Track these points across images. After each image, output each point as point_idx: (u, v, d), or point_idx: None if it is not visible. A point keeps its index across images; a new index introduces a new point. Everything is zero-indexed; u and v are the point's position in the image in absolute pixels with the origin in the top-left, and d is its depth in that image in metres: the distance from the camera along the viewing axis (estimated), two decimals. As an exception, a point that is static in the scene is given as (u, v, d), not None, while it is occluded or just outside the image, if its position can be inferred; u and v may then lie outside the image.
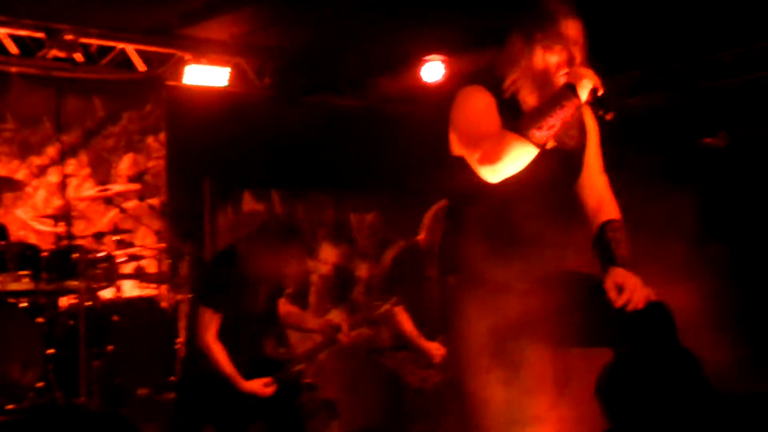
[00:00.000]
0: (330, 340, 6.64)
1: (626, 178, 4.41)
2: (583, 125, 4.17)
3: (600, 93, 3.80)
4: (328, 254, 11.00)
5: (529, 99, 4.01)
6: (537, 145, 3.77)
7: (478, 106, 3.95)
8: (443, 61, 10.62)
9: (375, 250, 10.98)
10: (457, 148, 4.03)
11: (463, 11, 8.79)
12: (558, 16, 3.93)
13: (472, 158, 3.88)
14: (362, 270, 11.07)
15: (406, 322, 7.21)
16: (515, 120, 3.89)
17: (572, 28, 3.94)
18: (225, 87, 10.39)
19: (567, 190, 4.16)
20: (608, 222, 4.11)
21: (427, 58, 10.58)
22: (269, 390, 6.20)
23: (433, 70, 10.61)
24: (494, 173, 3.82)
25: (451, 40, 9.88)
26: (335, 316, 9.81)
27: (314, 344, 7.13)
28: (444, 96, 10.51)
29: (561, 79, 3.90)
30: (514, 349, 4.02)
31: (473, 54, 9.83)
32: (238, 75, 10.57)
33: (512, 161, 3.80)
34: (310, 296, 10.76)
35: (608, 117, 3.84)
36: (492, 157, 3.79)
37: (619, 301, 3.81)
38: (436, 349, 7.13)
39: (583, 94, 3.79)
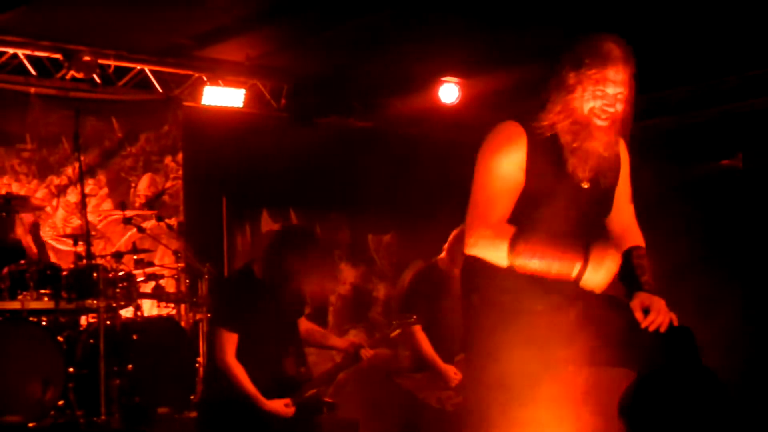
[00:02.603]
0: (353, 358, 6.64)
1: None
2: (619, 163, 4.17)
3: None
4: (347, 274, 11.02)
5: (566, 136, 3.98)
6: (511, 263, 3.84)
7: (509, 155, 3.95)
8: (458, 83, 10.66)
9: (393, 270, 10.99)
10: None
11: (479, 33, 8.84)
12: (610, 60, 3.88)
13: (468, 216, 3.97)
14: (380, 290, 11.08)
15: (424, 342, 7.23)
16: (550, 155, 3.94)
17: (620, 75, 3.89)
18: (241, 108, 10.44)
19: (595, 224, 4.18)
20: (633, 249, 4.15)
21: (442, 79, 10.62)
22: (290, 410, 6.21)
23: (448, 92, 10.65)
24: (469, 249, 3.96)
25: (466, 61, 9.92)
26: (354, 336, 9.82)
27: (334, 364, 7.14)
28: (459, 117, 10.57)
29: (600, 124, 3.91)
30: (537, 369, 4.04)
31: (488, 76, 9.91)
32: (253, 96, 10.63)
33: (486, 255, 3.91)
34: (328, 316, 10.77)
35: None
36: (467, 242, 3.94)
37: (645, 322, 3.85)
38: (453, 372, 7.14)
39: None
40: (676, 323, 3.88)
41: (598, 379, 5.48)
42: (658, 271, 4.13)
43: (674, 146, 9.04)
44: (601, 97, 3.89)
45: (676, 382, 3.86)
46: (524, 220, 3.94)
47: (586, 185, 3.99)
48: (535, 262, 3.80)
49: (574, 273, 3.77)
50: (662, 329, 3.83)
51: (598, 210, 4.14)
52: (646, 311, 3.88)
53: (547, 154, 3.96)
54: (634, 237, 4.22)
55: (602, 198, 4.11)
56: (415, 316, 6.95)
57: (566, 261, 3.78)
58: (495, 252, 3.86)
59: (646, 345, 3.90)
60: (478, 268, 4.06)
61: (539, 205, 3.96)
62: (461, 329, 4.28)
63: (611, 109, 3.90)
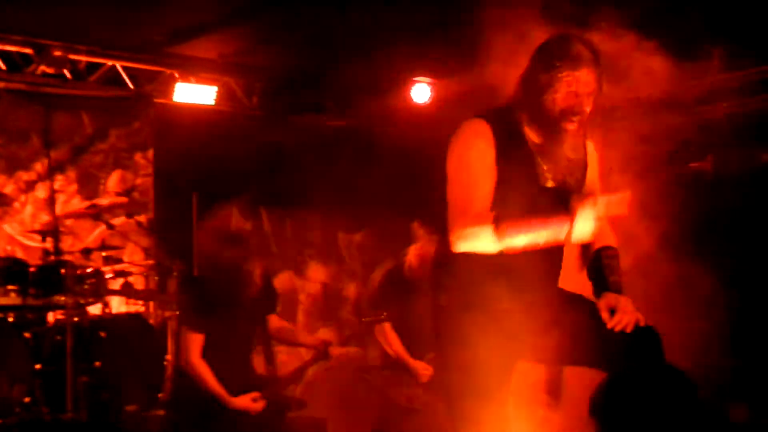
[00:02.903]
0: (322, 354, 6.65)
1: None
2: (586, 165, 4.18)
3: None
4: (317, 273, 11.00)
5: (533, 136, 4.02)
6: (501, 246, 3.86)
7: (479, 151, 3.96)
8: (430, 83, 10.67)
9: (363, 270, 10.97)
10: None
11: (451, 34, 8.83)
12: (581, 62, 3.90)
13: (450, 214, 3.97)
14: (350, 289, 11.06)
15: (394, 340, 7.23)
16: (515, 154, 3.95)
17: (590, 77, 3.91)
18: (213, 105, 10.40)
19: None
20: (603, 249, 4.15)
21: (414, 79, 10.63)
22: (258, 406, 6.19)
23: (420, 92, 10.66)
24: (457, 246, 3.95)
25: (438, 62, 9.92)
26: (323, 334, 9.80)
27: (303, 362, 7.14)
28: (431, 117, 10.58)
29: (570, 126, 3.93)
30: (505, 367, 4.05)
31: (460, 77, 9.91)
32: (226, 94, 10.58)
33: (475, 247, 3.91)
34: (298, 314, 10.75)
35: None
36: (459, 238, 3.94)
37: (610, 323, 3.85)
38: (423, 368, 7.15)
39: None
40: (642, 323, 3.88)
41: (568, 379, 5.49)
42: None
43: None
44: (573, 98, 3.90)
45: (644, 382, 3.86)
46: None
47: (551, 184, 4.02)
48: (522, 238, 3.82)
49: (563, 234, 3.81)
50: (628, 329, 3.83)
51: (565, 208, 4.09)
52: (612, 311, 3.89)
53: (513, 153, 3.98)
54: (606, 237, 4.21)
55: (568, 197, 4.05)
56: (385, 313, 6.97)
57: (553, 225, 3.82)
58: (482, 240, 3.87)
59: (613, 345, 3.90)
60: (447, 267, 4.06)
61: (504, 204, 3.95)
62: (431, 327, 4.28)
63: (581, 111, 3.92)
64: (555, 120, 3.93)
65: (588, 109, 3.94)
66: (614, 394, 3.88)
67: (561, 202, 4.03)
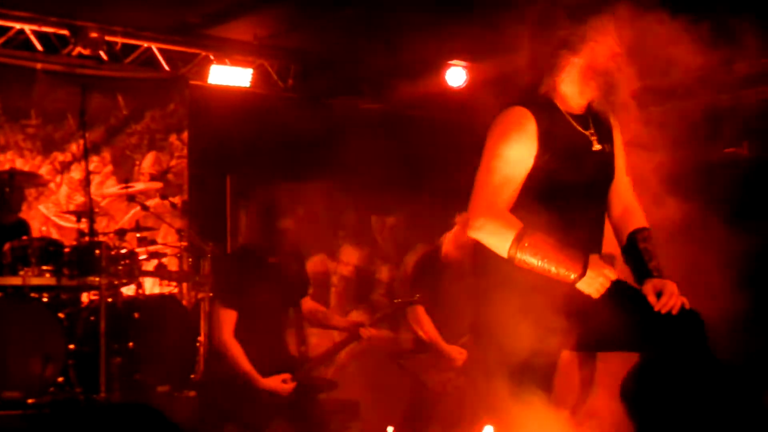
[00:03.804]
0: (353, 336, 6.64)
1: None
2: (612, 131, 4.21)
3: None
4: (349, 256, 10.99)
5: (575, 102, 4.07)
6: (511, 257, 3.85)
7: (512, 154, 3.97)
8: (465, 67, 10.62)
9: (396, 252, 10.96)
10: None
11: (486, 17, 8.78)
12: (596, 13, 3.99)
13: (475, 199, 3.96)
14: (383, 272, 11.05)
15: (426, 323, 7.21)
16: (559, 129, 3.99)
17: (611, 23, 4.00)
18: (248, 88, 10.41)
19: (603, 194, 4.19)
20: (637, 231, 4.15)
21: (450, 62, 10.59)
22: (288, 387, 6.19)
23: (456, 75, 10.62)
24: (473, 232, 3.96)
25: (473, 45, 9.87)
26: (356, 317, 9.79)
27: (334, 344, 7.14)
28: (466, 101, 10.54)
29: (611, 71, 3.96)
30: (542, 351, 4.02)
31: (495, 60, 9.85)
32: (260, 76, 10.60)
33: (488, 242, 3.92)
34: (330, 297, 10.75)
35: None
36: (470, 225, 3.94)
37: (658, 305, 3.84)
38: (457, 352, 7.13)
39: (585, 287, 3.88)
40: (687, 306, 3.86)
41: (602, 363, 5.46)
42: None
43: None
44: (606, 69, 3.98)
45: (679, 367, 3.83)
46: (536, 199, 3.96)
47: (597, 147, 4.06)
48: (536, 262, 3.83)
49: (572, 278, 3.81)
50: (674, 311, 3.81)
51: (606, 173, 4.16)
52: (659, 294, 3.87)
53: (557, 128, 4.00)
54: (637, 217, 4.23)
55: (609, 161, 4.15)
56: (418, 295, 6.96)
57: (565, 267, 3.82)
58: (498, 241, 3.89)
59: (653, 328, 3.87)
60: (486, 250, 4.04)
61: (552, 181, 3.97)
62: (465, 311, 4.27)
63: (612, 80, 3.99)
64: (592, 88, 4.00)
65: (617, 74, 4.00)
66: (646, 379, 3.86)
67: (604, 165, 4.12)
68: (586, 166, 4.02)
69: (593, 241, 4.08)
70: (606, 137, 4.12)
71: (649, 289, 3.91)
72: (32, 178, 8.47)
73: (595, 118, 4.11)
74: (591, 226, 4.11)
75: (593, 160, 4.05)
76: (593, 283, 3.80)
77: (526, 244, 3.81)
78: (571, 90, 4.05)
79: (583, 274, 3.78)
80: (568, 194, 3.99)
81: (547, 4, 4.12)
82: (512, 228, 3.85)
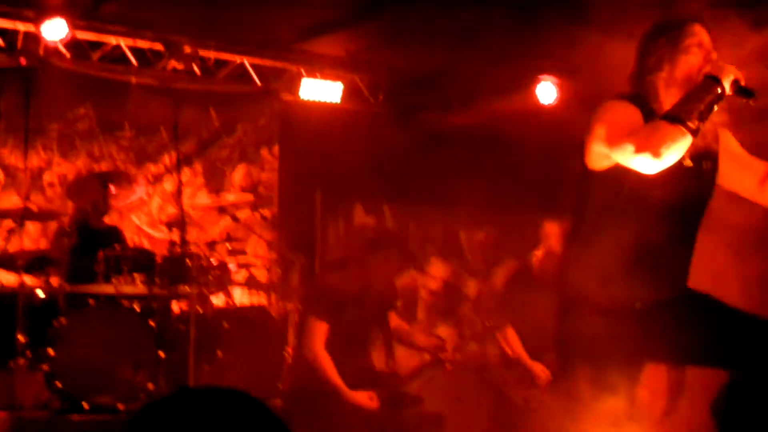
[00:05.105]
0: (435, 358, 6.68)
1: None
2: (715, 147, 4.11)
3: (742, 83, 3.80)
4: (437, 270, 10.98)
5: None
6: (692, 132, 3.71)
7: (626, 109, 3.90)
8: (556, 83, 10.57)
9: (484, 267, 10.93)
10: (599, 152, 3.92)
11: (576, 32, 8.74)
12: (689, 22, 3.98)
13: (625, 151, 3.77)
14: (471, 287, 11.02)
15: (514, 341, 7.20)
16: None
17: (703, 31, 3.98)
18: (338, 103, 10.47)
19: (699, 209, 4.11)
20: None
21: (540, 77, 10.54)
22: (374, 403, 6.21)
23: (546, 91, 10.57)
24: (653, 162, 3.73)
25: (564, 61, 9.83)
26: (442, 331, 9.79)
27: (421, 362, 7.16)
28: (556, 117, 10.48)
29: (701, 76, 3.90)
30: (627, 369, 3.99)
31: (587, 77, 9.80)
32: (351, 91, 10.65)
33: (672, 149, 3.72)
34: (418, 311, 10.75)
35: (752, 103, 3.85)
36: (651, 146, 3.71)
37: None
38: (541, 370, 7.10)
39: (727, 84, 3.78)
40: None
41: (689, 380, 5.40)
42: None
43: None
44: (698, 58, 3.95)
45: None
46: (617, 217, 3.92)
47: (688, 163, 3.93)
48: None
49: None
50: None
51: (698, 191, 4.07)
52: None
53: None
54: None
55: (704, 177, 4.06)
56: (508, 322, 6.98)
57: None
58: (677, 139, 3.74)
59: (739, 345, 3.82)
60: (574, 268, 4.02)
61: (634, 196, 3.91)
62: (550, 327, 4.25)
63: (706, 65, 3.93)
64: (690, 79, 3.94)
65: (714, 57, 3.96)
66: (736, 396, 3.81)
67: (695, 182, 4.01)
68: (673, 182, 3.89)
69: (676, 261, 4.02)
70: (704, 154, 4.01)
71: None
72: (121, 177, 8.58)
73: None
74: (676, 247, 4.01)
75: (681, 176, 3.92)
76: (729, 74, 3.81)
77: (681, 112, 3.75)
78: (666, 96, 3.97)
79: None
80: (650, 212, 3.91)
81: (643, 19, 4.11)
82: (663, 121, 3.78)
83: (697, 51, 3.95)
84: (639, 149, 3.71)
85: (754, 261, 7.43)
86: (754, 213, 4.68)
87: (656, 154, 3.69)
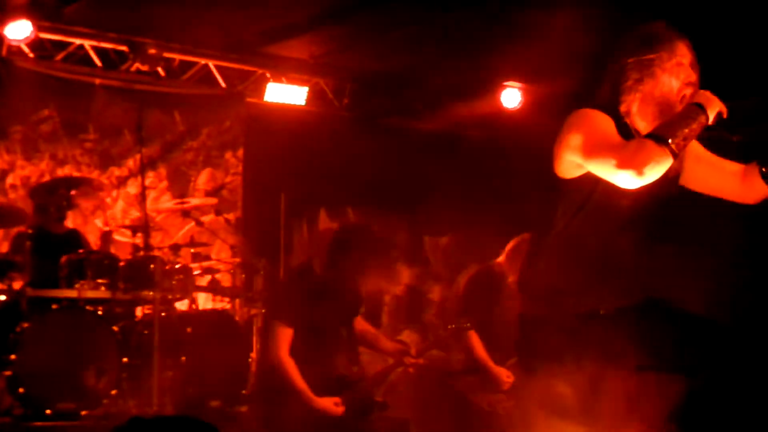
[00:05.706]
0: (398, 362, 6.67)
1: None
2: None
3: (725, 116, 3.83)
4: (402, 275, 10.99)
5: (642, 125, 3.97)
6: (673, 155, 3.71)
7: (602, 120, 3.88)
8: (521, 88, 10.62)
9: (448, 273, 10.94)
10: (572, 161, 3.90)
11: (541, 39, 8.78)
12: (674, 40, 3.96)
13: (605, 164, 3.76)
14: (435, 292, 11.02)
15: (477, 345, 7.19)
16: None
17: (687, 51, 3.97)
18: (303, 106, 10.47)
19: (662, 215, 4.13)
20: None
21: (505, 83, 10.59)
22: (339, 409, 6.20)
23: (511, 97, 10.62)
24: (634, 179, 3.72)
25: (528, 67, 9.87)
26: (407, 336, 9.78)
27: (385, 366, 7.15)
28: (521, 123, 10.52)
29: (684, 100, 3.92)
30: (589, 374, 4.01)
31: (550, 83, 9.85)
32: (316, 94, 10.66)
33: (655, 169, 3.71)
34: (382, 316, 10.75)
35: (734, 138, 3.89)
36: (635, 164, 3.69)
37: None
38: (505, 375, 7.11)
39: (712, 115, 3.80)
40: None
41: (649, 386, 5.42)
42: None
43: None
44: (679, 79, 3.94)
45: (731, 390, 3.81)
46: (592, 211, 3.93)
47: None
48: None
49: None
50: None
51: (667, 194, 4.08)
52: None
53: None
54: None
55: (669, 182, 4.03)
56: (469, 323, 6.96)
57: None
58: (661, 158, 3.71)
59: (701, 350, 3.85)
60: (535, 276, 4.03)
61: (610, 194, 3.90)
62: (514, 332, 4.26)
63: (687, 92, 3.94)
64: (669, 100, 3.95)
65: (695, 80, 3.97)
66: (696, 401, 3.84)
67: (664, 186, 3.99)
68: (641, 190, 3.83)
69: (640, 267, 4.01)
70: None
71: None
72: (86, 184, 8.54)
73: None
74: (640, 253, 4.01)
75: (648, 184, 3.85)
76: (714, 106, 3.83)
77: (667, 133, 3.74)
78: (640, 113, 3.98)
79: None
80: (617, 220, 3.94)
81: (619, 32, 4.11)
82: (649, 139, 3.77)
83: (679, 71, 3.95)
84: (622, 165, 3.71)
85: (709, 265, 7.50)
86: (707, 215, 4.71)
87: (640, 172, 3.69)
